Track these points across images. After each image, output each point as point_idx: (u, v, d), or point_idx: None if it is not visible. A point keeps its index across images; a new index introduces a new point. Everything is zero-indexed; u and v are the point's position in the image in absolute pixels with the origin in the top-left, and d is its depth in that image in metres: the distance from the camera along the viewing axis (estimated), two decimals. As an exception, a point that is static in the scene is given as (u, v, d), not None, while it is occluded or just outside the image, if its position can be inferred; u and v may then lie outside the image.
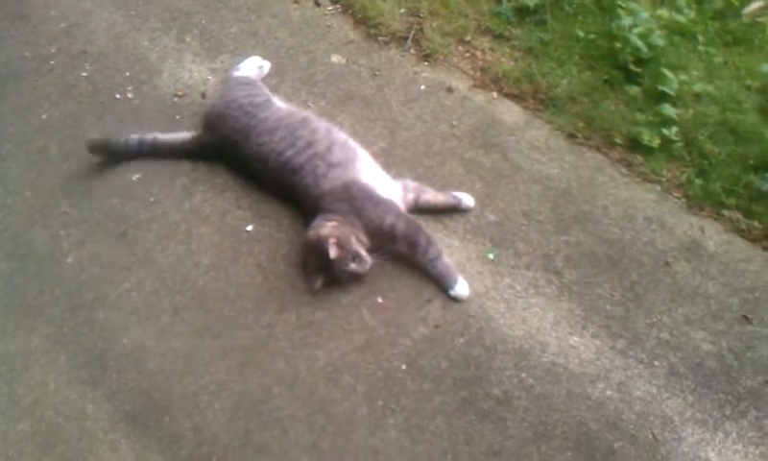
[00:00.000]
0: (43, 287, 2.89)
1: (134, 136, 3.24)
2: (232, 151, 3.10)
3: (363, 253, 2.74)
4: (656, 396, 2.51)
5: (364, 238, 2.79)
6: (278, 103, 3.19)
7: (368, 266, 2.76)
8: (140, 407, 2.56)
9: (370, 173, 2.95)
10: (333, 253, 2.67)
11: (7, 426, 2.54)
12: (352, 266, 2.74)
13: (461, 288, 2.76)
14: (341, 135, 3.03)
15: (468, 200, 3.00)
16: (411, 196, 2.95)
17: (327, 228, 2.74)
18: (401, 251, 2.83)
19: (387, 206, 2.86)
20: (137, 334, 2.74)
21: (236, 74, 3.41)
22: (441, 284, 2.79)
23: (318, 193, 2.88)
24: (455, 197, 3.00)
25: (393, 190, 2.95)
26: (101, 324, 2.78)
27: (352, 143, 3.03)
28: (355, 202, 2.83)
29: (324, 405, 2.53)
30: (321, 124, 3.05)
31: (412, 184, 2.99)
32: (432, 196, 2.98)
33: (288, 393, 2.56)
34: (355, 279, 2.79)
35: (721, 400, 2.50)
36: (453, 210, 3.00)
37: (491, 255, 2.84)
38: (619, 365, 2.58)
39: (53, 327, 2.78)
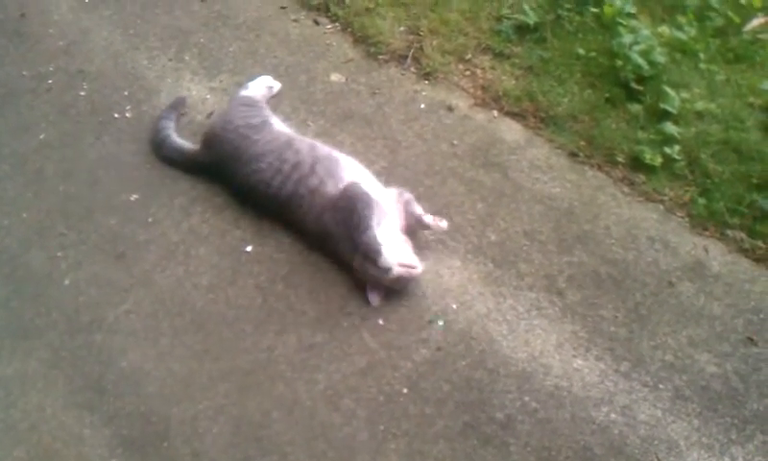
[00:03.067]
0: (40, 310, 2.85)
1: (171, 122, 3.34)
2: (226, 173, 3.09)
3: (408, 262, 2.72)
4: (661, 419, 2.48)
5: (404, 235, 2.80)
6: (275, 125, 3.17)
7: (419, 270, 2.75)
8: (138, 432, 2.52)
9: (354, 177, 2.93)
10: (374, 301, 2.73)
11: (3, 452, 2.50)
12: (406, 278, 2.75)
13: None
14: (324, 150, 3.00)
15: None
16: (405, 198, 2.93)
17: (358, 261, 2.75)
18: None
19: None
20: (136, 357, 2.70)
21: (242, 93, 3.40)
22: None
23: (306, 228, 2.92)
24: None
25: (386, 195, 2.93)
26: (99, 347, 2.74)
27: (336, 154, 3.00)
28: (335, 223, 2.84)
29: (325, 430, 2.49)
30: (304, 143, 3.03)
31: (407, 194, 2.95)
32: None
33: (288, 417, 2.53)
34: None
35: (727, 423, 2.47)
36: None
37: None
38: (623, 388, 2.55)
39: (50, 350, 2.74)
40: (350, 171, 2.95)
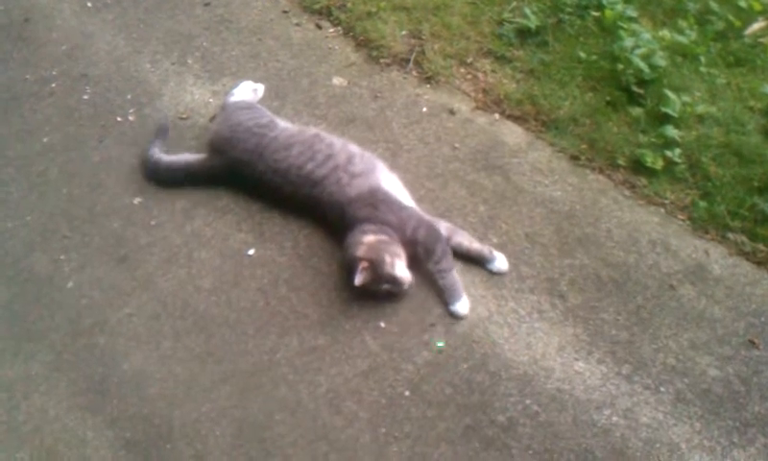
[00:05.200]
0: (43, 312, 2.86)
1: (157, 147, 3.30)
2: (244, 172, 3.09)
3: (398, 274, 2.71)
4: (662, 422, 2.48)
5: (401, 250, 2.78)
6: (282, 122, 3.20)
7: (405, 287, 2.74)
8: (141, 434, 2.53)
9: (390, 182, 2.99)
10: (359, 280, 2.67)
11: (6, 454, 2.51)
12: (385, 287, 2.74)
13: (462, 306, 2.76)
14: (356, 148, 3.05)
15: (501, 262, 2.91)
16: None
17: (363, 247, 2.73)
18: (419, 256, 2.82)
19: (409, 212, 2.89)
20: (138, 360, 2.71)
21: (233, 99, 3.41)
22: (444, 297, 2.79)
23: (344, 200, 2.90)
24: (490, 252, 2.92)
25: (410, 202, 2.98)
26: (101, 349, 2.75)
27: (369, 154, 3.06)
28: (381, 206, 2.86)
29: (327, 432, 2.50)
30: (334, 138, 3.08)
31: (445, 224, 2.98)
32: (467, 241, 2.94)
33: (290, 419, 2.54)
34: (395, 295, 2.79)
35: (728, 426, 2.47)
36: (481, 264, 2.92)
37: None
38: (625, 391, 2.55)
39: (53, 352, 2.75)
40: (385, 174, 3.01)
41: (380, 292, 2.76)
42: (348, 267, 2.76)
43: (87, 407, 2.61)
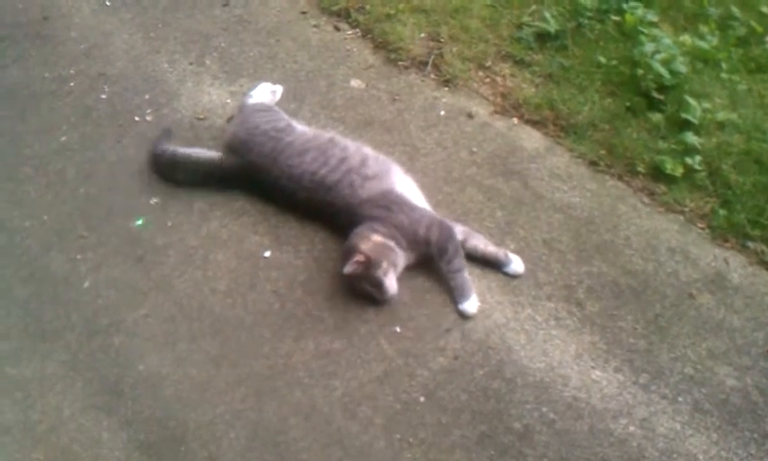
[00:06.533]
0: (59, 312, 2.86)
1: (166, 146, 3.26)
2: (259, 176, 3.09)
3: (387, 284, 2.73)
4: (679, 433, 2.46)
5: (401, 261, 2.81)
6: (300, 126, 3.20)
7: (386, 297, 2.75)
8: (155, 436, 2.53)
9: (404, 185, 2.99)
10: (349, 269, 2.69)
11: (21, 454, 2.51)
12: (369, 289, 2.76)
13: (470, 305, 2.76)
14: (371, 151, 3.05)
15: (517, 265, 2.91)
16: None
17: (369, 243, 2.75)
18: (432, 255, 2.84)
19: (422, 212, 2.91)
20: (153, 361, 2.71)
21: (251, 101, 3.39)
22: (453, 296, 2.79)
23: (356, 202, 2.91)
24: (506, 255, 2.92)
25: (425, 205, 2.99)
26: (117, 350, 2.75)
27: (384, 157, 3.06)
28: (394, 207, 2.87)
29: (342, 437, 2.49)
30: (349, 142, 3.08)
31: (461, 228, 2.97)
32: (482, 244, 2.94)
33: (305, 424, 2.53)
34: (371, 299, 2.79)
35: (746, 438, 2.44)
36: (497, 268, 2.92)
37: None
38: (642, 400, 2.53)
39: (69, 352, 2.75)
40: (400, 177, 3.01)
41: (362, 290, 2.78)
42: (346, 253, 2.77)
43: (102, 408, 2.61)
